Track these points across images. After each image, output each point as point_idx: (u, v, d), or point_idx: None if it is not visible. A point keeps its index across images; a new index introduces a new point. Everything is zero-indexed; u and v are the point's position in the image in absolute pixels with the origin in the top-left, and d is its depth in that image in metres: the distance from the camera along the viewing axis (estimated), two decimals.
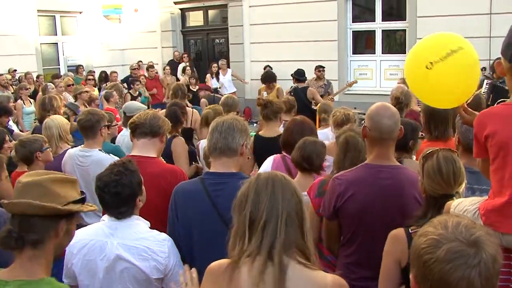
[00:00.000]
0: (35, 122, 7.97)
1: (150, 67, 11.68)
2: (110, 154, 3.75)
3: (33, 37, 13.32)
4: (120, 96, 8.33)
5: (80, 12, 14.60)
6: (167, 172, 2.95)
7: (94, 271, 2.26)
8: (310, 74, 8.84)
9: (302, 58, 11.00)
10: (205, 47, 14.80)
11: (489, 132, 2.01)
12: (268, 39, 12.54)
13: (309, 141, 3.19)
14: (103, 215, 2.41)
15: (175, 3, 14.46)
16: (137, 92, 10.13)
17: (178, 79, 12.05)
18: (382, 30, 11.50)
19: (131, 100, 8.87)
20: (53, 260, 1.79)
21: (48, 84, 9.15)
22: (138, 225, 2.31)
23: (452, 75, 2.36)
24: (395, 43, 11.68)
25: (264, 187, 1.64)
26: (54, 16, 14.15)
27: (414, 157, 3.39)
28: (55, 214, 1.73)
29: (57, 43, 14.37)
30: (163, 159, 3.35)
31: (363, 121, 2.65)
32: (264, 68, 11.76)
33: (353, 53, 11.94)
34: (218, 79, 11.87)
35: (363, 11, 12.06)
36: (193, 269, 1.99)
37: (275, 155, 3.60)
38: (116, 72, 12.49)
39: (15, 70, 11.80)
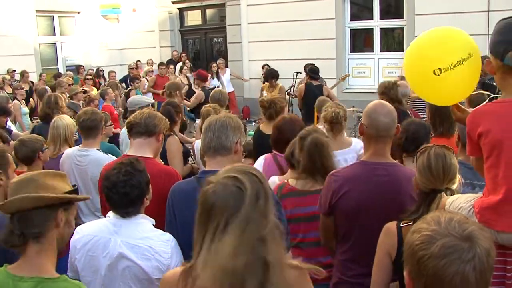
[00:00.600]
0: (32, 122, 7.96)
1: (160, 64, 11.67)
2: (108, 154, 3.76)
3: (31, 37, 13.32)
4: (117, 89, 8.27)
5: (79, 12, 14.61)
6: (162, 174, 2.89)
7: (97, 268, 2.26)
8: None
9: (300, 57, 10.97)
10: (203, 46, 14.80)
11: (482, 130, 2.00)
12: (266, 38, 12.52)
13: None
14: (103, 215, 2.40)
15: (173, 2, 14.45)
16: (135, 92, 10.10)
17: None
18: (380, 28, 11.49)
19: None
20: (56, 253, 1.81)
21: (46, 87, 9.17)
22: (142, 224, 2.30)
23: (460, 83, 2.38)
24: (393, 41, 11.67)
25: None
26: (53, 16, 14.16)
27: None
28: (52, 204, 1.75)
29: (55, 43, 14.37)
30: (160, 160, 3.34)
31: (361, 119, 2.66)
32: (262, 67, 11.76)
33: (351, 52, 11.92)
34: (218, 79, 11.85)
35: (361, 9, 12.05)
36: None
37: (266, 154, 3.60)
38: (114, 72, 12.51)
39: (14, 71, 11.79)
